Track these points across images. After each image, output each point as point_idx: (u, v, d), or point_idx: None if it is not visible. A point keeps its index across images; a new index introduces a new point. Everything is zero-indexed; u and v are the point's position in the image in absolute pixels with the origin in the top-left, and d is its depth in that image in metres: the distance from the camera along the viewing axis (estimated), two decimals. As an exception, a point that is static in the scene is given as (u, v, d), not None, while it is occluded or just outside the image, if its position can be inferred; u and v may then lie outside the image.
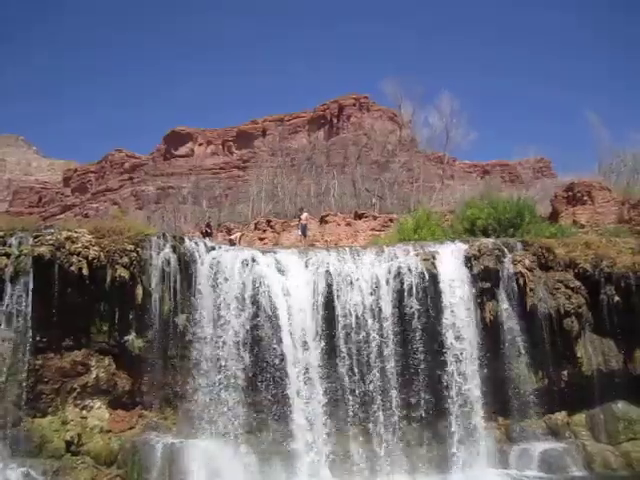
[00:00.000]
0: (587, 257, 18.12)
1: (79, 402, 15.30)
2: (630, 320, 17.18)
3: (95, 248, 15.53)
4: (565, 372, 17.27)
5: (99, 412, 15.38)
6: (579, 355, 17.31)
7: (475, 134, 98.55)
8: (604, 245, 18.89)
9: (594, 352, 17.43)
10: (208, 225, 28.72)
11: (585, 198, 27.10)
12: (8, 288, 14.57)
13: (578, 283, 17.64)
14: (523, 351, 16.87)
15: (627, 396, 16.99)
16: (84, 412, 15.26)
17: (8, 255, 14.87)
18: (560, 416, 17.11)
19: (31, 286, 14.64)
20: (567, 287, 17.53)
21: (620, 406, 16.88)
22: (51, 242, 15.19)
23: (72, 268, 15.09)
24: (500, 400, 16.63)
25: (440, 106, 51.76)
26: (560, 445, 16.39)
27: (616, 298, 17.49)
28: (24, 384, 14.41)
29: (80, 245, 15.42)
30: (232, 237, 27.50)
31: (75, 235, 15.65)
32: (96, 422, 15.19)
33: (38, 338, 14.79)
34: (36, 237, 15.32)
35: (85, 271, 15.19)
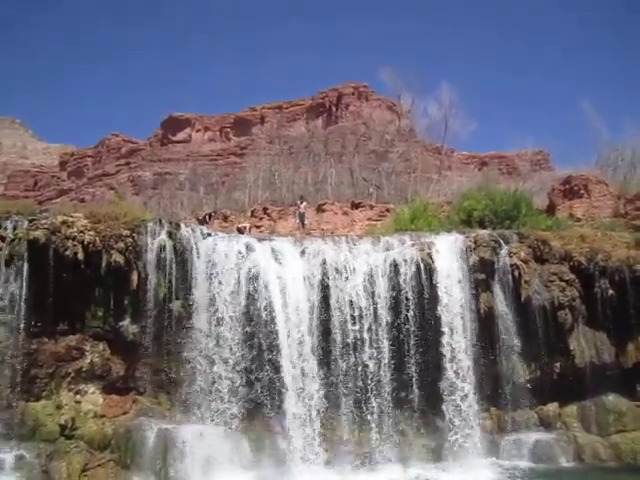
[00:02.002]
0: (582, 250, 18.17)
1: (73, 386, 15.34)
2: (623, 314, 17.28)
3: (91, 233, 15.48)
4: (558, 364, 17.39)
5: (93, 397, 15.44)
6: (572, 347, 17.41)
7: (474, 125, 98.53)
8: (599, 239, 18.95)
9: (587, 345, 17.54)
10: (209, 215, 28.80)
11: (582, 191, 27.15)
12: (3, 272, 14.58)
13: (573, 276, 17.72)
14: (517, 342, 16.98)
15: (618, 389, 17.13)
16: (78, 396, 15.31)
17: (3, 238, 14.84)
18: (552, 407, 17.26)
19: (26, 270, 14.61)
20: (562, 280, 17.60)
21: (611, 398, 17.01)
22: (46, 226, 15.14)
23: (67, 252, 15.06)
24: (493, 391, 16.77)
25: (439, 97, 51.60)
26: (551, 436, 16.54)
27: (610, 292, 17.58)
28: (18, 368, 14.43)
29: (76, 230, 15.37)
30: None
31: (71, 219, 15.60)
32: (90, 407, 15.25)
33: (33, 322, 14.79)
34: (31, 221, 15.26)
35: (80, 256, 15.16)
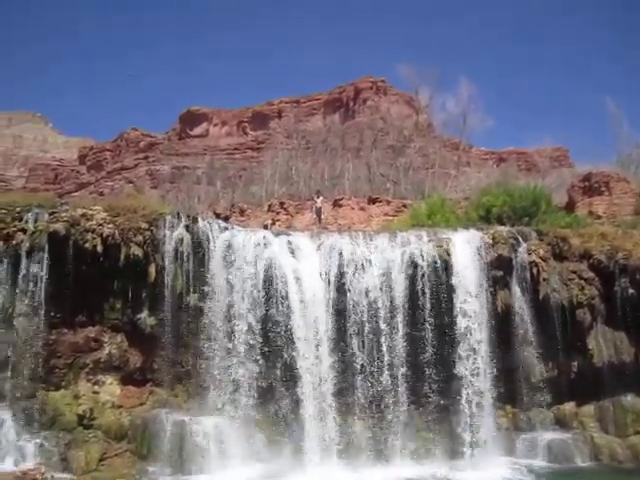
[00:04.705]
0: (602, 248, 17.92)
1: (91, 377, 15.53)
2: (643, 313, 17.01)
3: (110, 226, 15.64)
4: (575, 363, 17.20)
5: (111, 387, 15.62)
6: (590, 347, 17.21)
7: (492, 121, 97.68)
8: (620, 237, 18.66)
9: (605, 344, 17.31)
10: (226, 218, 29.19)
11: (602, 189, 26.78)
12: (24, 263, 14.79)
13: (592, 274, 17.49)
14: (534, 341, 16.81)
15: (637, 389, 16.90)
16: (96, 387, 15.50)
17: (24, 231, 15.05)
18: (568, 407, 17.08)
19: (46, 262, 14.83)
20: (581, 278, 17.39)
21: (630, 399, 16.80)
22: (66, 219, 15.34)
23: (87, 245, 15.24)
24: (509, 389, 16.64)
25: (458, 92, 51.20)
26: (567, 435, 16.38)
27: (630, 290, 17.33)
28: (38, 358, 14.66)
29: (95, 222, 15.55)
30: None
31: (90, 212, 15.78)
32: (108, 397, 15.44)
33: (52, 313, 15.00)
34: (52, 213, 15.45)
35: (99, 248, 15.33)
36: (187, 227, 16.36)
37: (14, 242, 14.96)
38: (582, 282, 17.35)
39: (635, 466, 15.52)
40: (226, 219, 28.14)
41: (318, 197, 28.83)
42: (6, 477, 11.61)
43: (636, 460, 15.71)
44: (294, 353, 15.45)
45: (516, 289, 17.11)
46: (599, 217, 24.82)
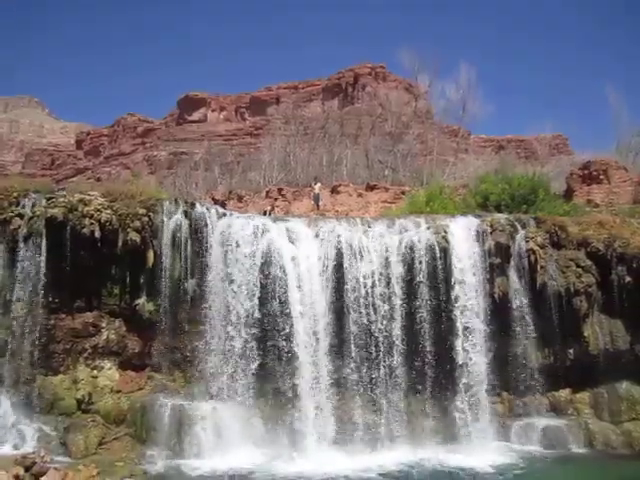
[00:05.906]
0: (600, 236, 17.93)
1: (90, 362, 15.60)
2: (640, 301, 17.08)
3: (107, 211, 15.61)
4: (571, 350, 17.30)
5: (109, 372, 15.70)
6: (586, 334, 17.29)
7: (492, 107, 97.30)
8: (618, 225, 18.66)
9: (601, 332, 17.40)
10: (223, 203, 29.08)
11: (601, 177, 26.76)
12: (22, 249, 14.82)
13: (589, 262, 17.52)
14: (531, 328, 16.90)
15: (632, 377, 17.01)
16: (95, 372, 15.58)
17: (21, 216, 15.04)
18: (564, 393, 17.21)
19: (44, 247, 14.82)
20: (578, 266, 17.42)
21: (624, 386, 16.91)
22: (64, 204, 15.29)
23: (84, 230, 15.21)
24: (505, 375, 16.73)
25: (457, 78, 50.80)
26: (562, 422, 16.52)
27: (627, 278, 17.37)
28: (37, 343, 14.71)
29: (92, 208, 15.50)
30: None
31: (88, 198, 15.72)
32: (106, 382, 15.52)
33: (50, 299, 15.03)
34: (49, 199, 15.41)
35: (97, 234, 15.30)
36: (185, 213, 16.34)
37: (11, 227, 14.97)
38: (579, 270, 17.39)
39: (628, 452, 15.69)
40: (224, 205, 28.12)
41: (316, 183, 28.83)
42: (5, 461, 11.68)
43: (629, 447, 15.88)
44: (292, 339, 15.51)
45: (514, 276, 17.16)
46: (597, 205, 24.84)
